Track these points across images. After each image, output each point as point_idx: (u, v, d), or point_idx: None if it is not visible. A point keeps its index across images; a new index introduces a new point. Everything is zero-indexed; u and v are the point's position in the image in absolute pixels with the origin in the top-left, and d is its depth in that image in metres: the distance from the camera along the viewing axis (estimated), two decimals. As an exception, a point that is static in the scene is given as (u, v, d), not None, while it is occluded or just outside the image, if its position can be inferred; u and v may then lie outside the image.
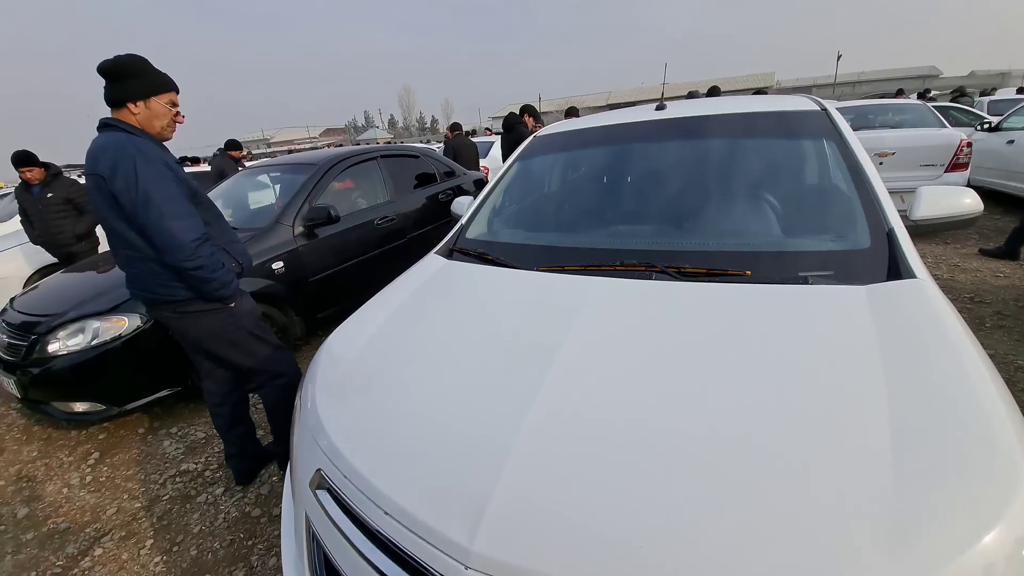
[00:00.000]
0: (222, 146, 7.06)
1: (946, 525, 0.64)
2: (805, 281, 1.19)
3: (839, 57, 41.22)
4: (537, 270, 1.52)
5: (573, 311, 1.22)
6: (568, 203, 2.07)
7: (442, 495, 0.83)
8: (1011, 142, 5.63)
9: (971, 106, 8.96)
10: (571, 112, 6.75)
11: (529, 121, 5.47)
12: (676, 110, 2.01)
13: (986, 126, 6.32)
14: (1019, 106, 6.17)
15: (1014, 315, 3.06)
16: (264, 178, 3.98)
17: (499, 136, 6.35)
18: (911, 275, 1.15)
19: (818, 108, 1.80)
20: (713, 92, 6.79)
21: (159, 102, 1.65)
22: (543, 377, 1.00)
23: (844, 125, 1.65)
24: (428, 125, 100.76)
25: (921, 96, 10.49)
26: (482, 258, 1.69)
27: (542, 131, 2.38)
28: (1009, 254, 4.21)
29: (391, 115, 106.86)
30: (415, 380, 1.13)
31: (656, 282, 1.31)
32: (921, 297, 1.07)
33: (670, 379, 0.95)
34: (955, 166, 5.21)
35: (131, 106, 1.61)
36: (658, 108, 2.07)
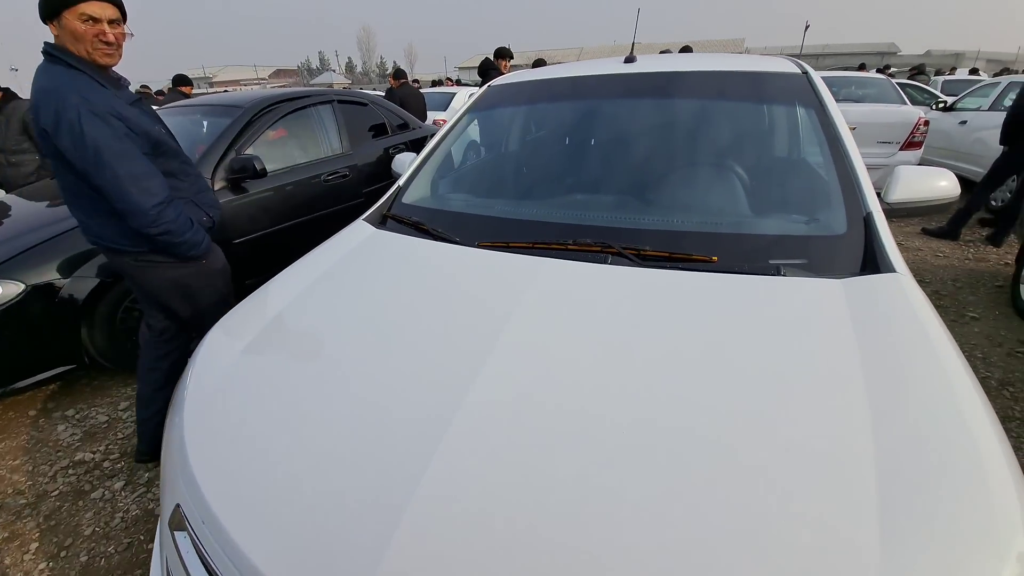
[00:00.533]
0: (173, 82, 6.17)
1: (940, 555, 0.57)
2: (777, 271, 1.07)
3: (807, 27, 41.29)
4: (477, 246, 1.31)
5: (511, 304, 1.05)
6: (519, 167, 1.86)
7: (312, 562, 0.64)
8: (964, 123, 5.73)
9: (927, 84, 9.14)
10: (539, 63, 6.35)
11: (504, 65, 4.98)
12: (647, 64, 1.79)
13: (940, 105, 6.42)
14: (974, 87, 6.29)
15: (951, 295, 3.14)
16: (183, 121, 3.48)
17: (462, 87, 5.93)
18: (890, 268, 1.06)
19: (799, 71, 1.63)
20: (685, 51, 6.56)
21: (70, 18, 1.36)
22: (458, 402, 0.82)
23: (826, 92, 1.50)
24: (390, 72, 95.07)
25: (882, 71, 10.59)
26: (418, 228, 1.47)
27: (497, 80, 2.08)
28: (950, 234, 4.32)
29: (349, 58, 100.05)
30: (308, 393, 0.92)
31: (612, 267, 1.15)
32: (901, 296, 0.98)
33: (623, 410, 0.78)
34: (910, 144, 5.26)
35: (52, 29, 1.36)
36: (627, 61, 1.83)
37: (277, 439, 0.84)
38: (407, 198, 1.70)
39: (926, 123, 5.27)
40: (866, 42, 53.14)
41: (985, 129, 5.26)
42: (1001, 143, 4.10)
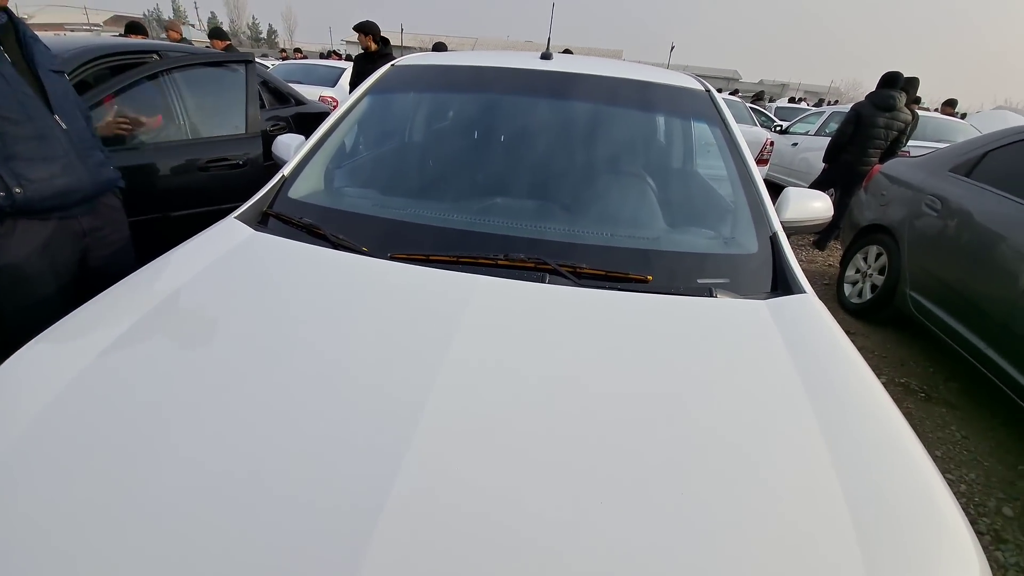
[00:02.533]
0: None
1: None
2: (708, 292, 1.10)
3: (672, 48, 46.03)
4: (390, 259, 1.11)
5: (445, 337, 0.86)
6: (436, 163, 1.68)
7: None
8: (795, 144, 6.82)
9: (764, 109, 10.76)
10: (440, 47, 6.11)
11: (366, 41, 4.11)
12: (564, 63, 1.76)
13: (778, 128, 7.58)
14: (804, 115, 7.54)
15: (821, 296, 3.70)
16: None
17: (351, 62, 5.32)
18: (800, 289, 1.14)
19: (703, 89, 1.72)
20: (566, 54, 6.80)
21: None
22: (386, 489, 0.62)
23: (727, 110, 1.61)
24: (263, 35, 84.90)
25: (733, 95, 12.20)
26: (311, 232, 1.20)
27: (403, 60, 1.86)
28: (818, 244, 5.09)
29: (212, 13, 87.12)
30: (143, 482, 0.64)
31: (551, 287, 1.05)
32: (817, 315, 1.07)
33: (579, 456, 0.71)
34: (760, 161, 6.14)
35: None
36: (543, 57, 1.77)
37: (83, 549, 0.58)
38: (295, 192, 1.39)
39: (771, 143, 6.18)
40: (716, 67, 60.94)
41: (811, 151, 6.30)
42: (824, 161, 4.94)
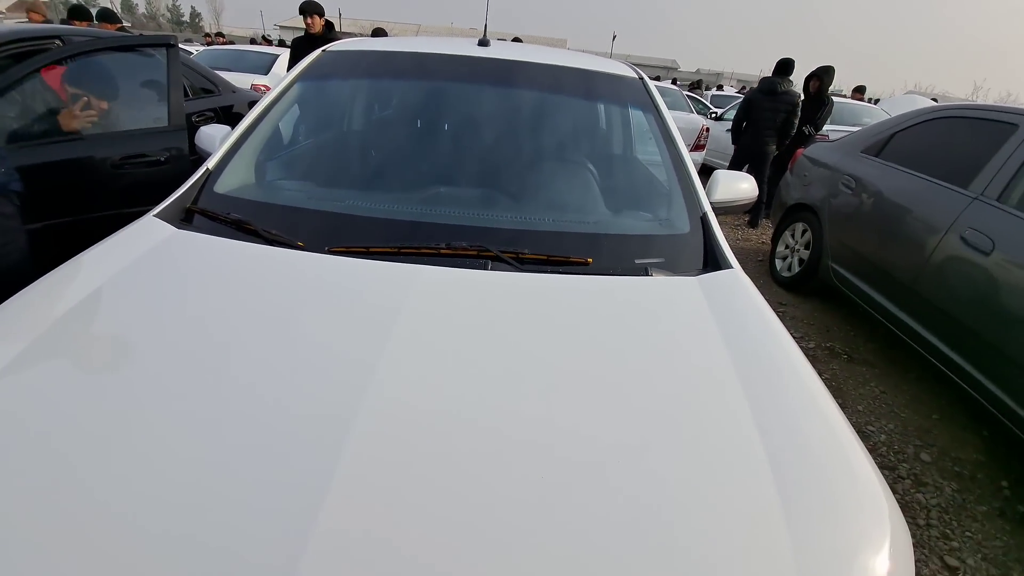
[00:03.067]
0: None
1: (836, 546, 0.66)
2: (645, 272, 1.15)
3: (614, 37, 46.97)
4: (327, 252, 1.07)
5: (386, 328, 0.85)
6: (369, 152, 1.65)
7: None
8: (728, 131, 7.16)
9: (701, 97, 11.22)
10: (379, 33, 5.90)
11: (314, 23, 3.93)
12: (501, 50, 1.76)
13: (713, 115, 7.93)
14: (735, 102, 7.92)
15: (755, 271, 3.92)
16: None
17: (286, 48, 5.00)
18: (728, 264, 1.21)
19: (636, 76, 1.78)
20: (516, 42, 6.83)
21: None
22: (327, 480, 0.61)
23: (659, 97, 1.67)
24: (186, 19, 78.73)
25: (672, 83, 12.63)
26: (241, 228, 1.13)
27: (335, 45, 1.81)
28: (751, 223, 5.38)
29: (126, -7, 79.53)
30: (75, 475, 0.62)
31: (494, 273, 1.05)
32: (743, 289, 1.14)
33: (521, 432, 0.73)
34: (697, 147, 6.41)
35: None
36: (481, 44, 1.77)
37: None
38: (222, 186, 1.31)
39: (707, 129, 6.46)
40: (656, 56, 62.85)
41: (743, 137, 6.64)
42: (732, 143, 5.37)
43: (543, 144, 1.55)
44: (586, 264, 1.12)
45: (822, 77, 5.00)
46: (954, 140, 2.70)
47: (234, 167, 1.37)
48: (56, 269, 1.03)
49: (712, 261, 1.22)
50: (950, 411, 2.40)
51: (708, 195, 1.43)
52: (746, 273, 1.20)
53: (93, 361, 0.83)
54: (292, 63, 3.34)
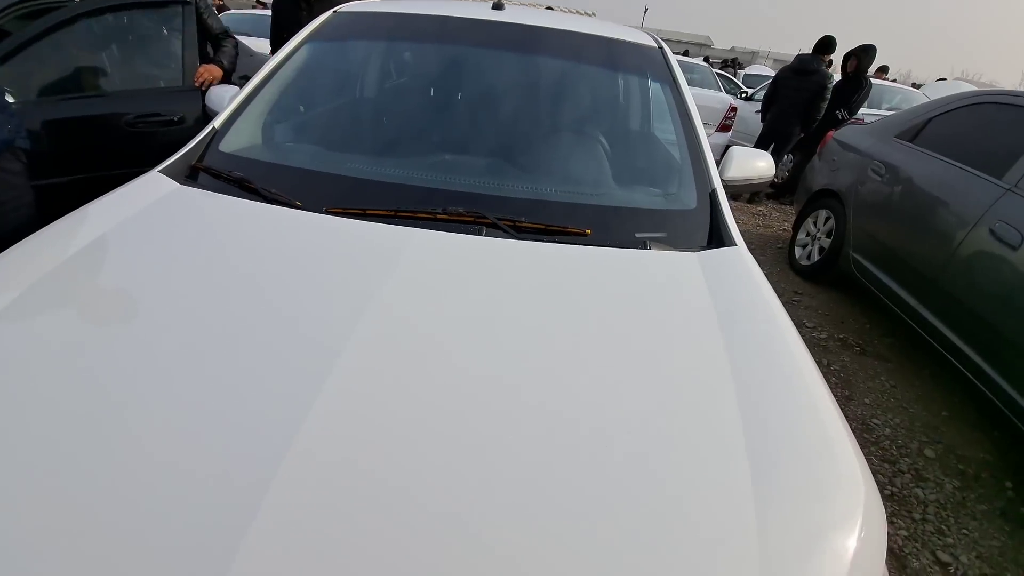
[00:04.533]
0: None
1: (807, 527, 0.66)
2: (644, 245, 1.14)
3: (646, 11, 45.22)
4: (325, 212, 1.09)
5: (374, 285, 0.88)
6: (372, 115, 1.65)
7: None
8: (757, 112, 6.91)
9: (734, 76, 10.80)
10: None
11: None
12: (516, 14, 1.71)
13: (744, 95, 7.64)
14: (765, 82, 7.60)
15: (773, 259, 3.81)
16: None
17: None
18: (732, 242, 1.19)
19: (656, 45, 1.72)
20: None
21: None
22: (303, 413, 0.65)
23: (678, 68, 1.61)
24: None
25: (705, 60, 12.16)
26: (242, 186, 1.16)
27: (346, 6, 1.80)
28: (749, 200, 5.25)
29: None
30: (78, 417, 0.65)
31: (487, 239, 1.06)
32: (744, 268, 1.12)
33: (501, 399, 0.74)
34: (723, 127, 6.18)
35: None
36: (495, 7, 1.73)
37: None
38: (227, 146, 1.34)
39: (734, 109, 6.22)
40: (689, 32, 60.47)
41: (773, 118, 6.40)
42: (762, 123, 5.22)
43: (551, 112, 1.52)
44: (584, 235, 1.11)
45: (860, 57, 4.75)
46: (993, 127, 2.55)
47: (239, 127, 1.39)
48: (60, 219, 1.07)
49: (716, 239, 1.20)
50: (961, 410, 2.33)
51: (721, 172, 1.41)
52: (764, 261, 1.17)
53: (88, 303, 0.87)
54: (274, 25, 2.92)
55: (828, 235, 3.38)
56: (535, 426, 0.70)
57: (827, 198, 3.45)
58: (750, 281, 1.08)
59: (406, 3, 1.86)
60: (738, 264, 1.12)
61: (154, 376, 0.71)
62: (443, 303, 0.89)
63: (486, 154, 1.39)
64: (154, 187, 1.16)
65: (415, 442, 0.66)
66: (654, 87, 1.65)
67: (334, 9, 1.75)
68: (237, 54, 2.42)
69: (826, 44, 4.76)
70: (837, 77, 4.93)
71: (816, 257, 3.47)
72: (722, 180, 1.38)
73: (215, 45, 2.45)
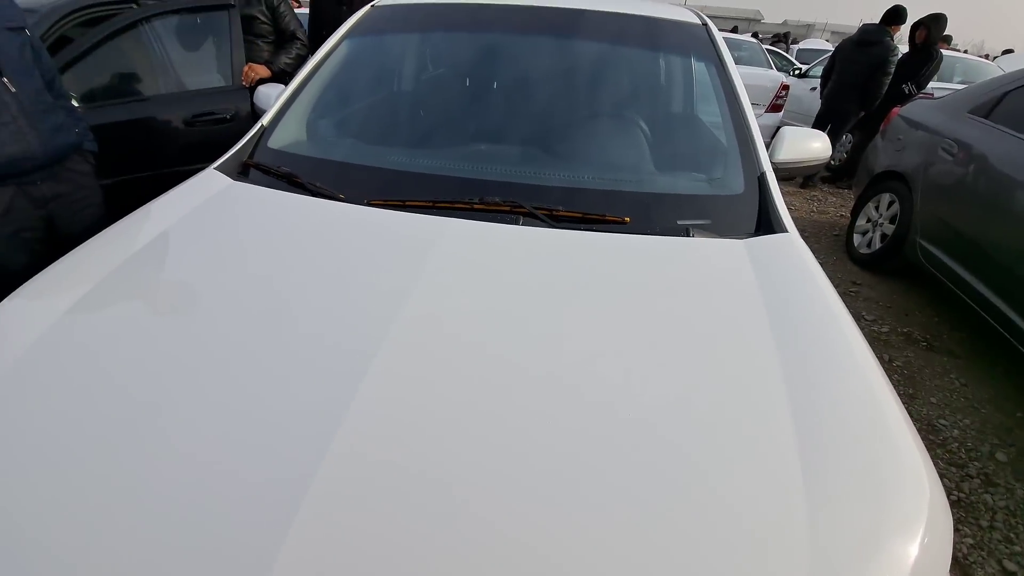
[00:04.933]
0: None
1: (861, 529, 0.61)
2: (686, 232, 1.09)
3: (689, -14, 43.32)
4: (367, 204, 1.13)
5: (412, 274, 0.90)
6: (413, 109, 1.68)
7: None
8: (814, 89, 6.48)
9: (786, 51, 10.17)
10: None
11: None
12: None
13: (797, 72, 7.18)
14: (821, 57, 7.12)
15: (830, 247, 3.60)
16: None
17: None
18: (783, 228, 1.13)
19: (700, 22, 1.64)
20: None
21: None
22: (347, 398, 0.67)
23: (724, 46, 1.53)
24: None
25: (754, 36, 11.52)
26: (290, 181, 1.22)
27: (383, 0, 1.82)
28: (803, 184, 4.94)
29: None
30: (132, 398, 0.71)
31: (524, 228, 1.06)
32: (796, 255, 1.06)
33: (545, 391, 0.73)
34: (774, 106, 5.87)
35: None
36: None
37: (76, 450, 0.64)
38: (274, 142, 1.41)
39: (786, 88, 5.88)
40: (736, 7, 57.46)
41: (829, 95, 6.00)
42: (820, 99, 4.88)
43: (589, 98, 1.49)
44: (623, 223, 1.09)
45: (930, 26, 4.36)
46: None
47: (286, 123, 1.46)
48: (125, 218, 1.15)
49: (765, 225, 1.14)
50: (1040, 410, 2.14)
51: (772, 154, 1.34)
52: (819, 249, 1.11)
53: (151, 297, 0.94)
54: (313, 22, 2.93)
55: (891, 221, 3.15)
56: (580, 422, 0.69)
57: (891, 180, 3.21)
58: (802, 268, 1.02)
59: None
60: (789, 251, 1.07)
61: (208, 367, 0.75)
62: (480, 293, 0.89)
63: (523, 143, 1.38)
64: (210, 184, 1.24)
65: (456, 437, 0.66)
66: (699, 67, 1.59)
67: (372, 4, 1.77)
68: (299, 56, 2.49)
69: (895, 14, 4.39)
70: (903, 49, 4.55)
71: (878, 245, 3.25)
72: (772, 163, 1.31)
73: (279, 45, 2.55)
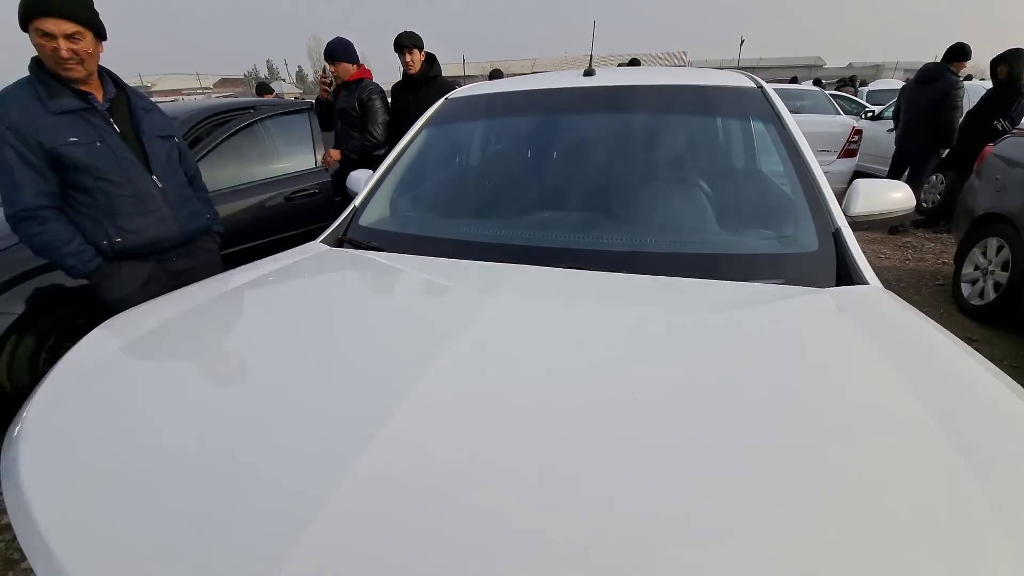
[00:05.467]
0: None
1: None
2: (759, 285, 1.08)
3: (742, 42, 43.83)
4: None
5: (469, 315, 0.99)
6: (482, 186, 1.81)
7: None
8: (890, 130, 6.18)
9: (854, 95, 9.84)
10: (495, 75, 6.35)
11: (415, 59, 3.03)
12: (607, 77, 1.79)
13: (869, 115, 6.91)
14: (895, 99, 6.81)
15: (934, 298, 3.31)
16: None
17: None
18: (863, 281, 1.07)
19: (755, 85, 1.66)
20: (633, 64, 6.79)
21: (32, 33, 1.45)
22: (393, 406, 0.73)
23: (781, 105, 1.53)
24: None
25: (816, 83, 11.33)
26: (376, 252, 1.43)
27: (455, 93, 2.03)
28: (892, 230, 4.64)
29: (299, 67, 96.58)
30: (197, 398, 0.85)
31: (592, 273, 1.16)
32: (887, 302, 0.99)
33: (620, 459, 0.64)
34: (847, 152, 5.63)
35: None
36: (586, 74, 1.82)
37: (140, 448, 0.73)
38: (364, 220, 1.61)
39: (858, 132, 5.65)
40: (795, 55, 57.03)
41: (907, 136, 5.68)
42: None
43: (648, 166, 1.52)
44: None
45: (1011, 61, 4.11)
46: None
47: (374, 204, 1.68)
48: (239, 268, 1.42)
49: (846, 280, 1.09)
50: None
51: (846, 208, 1.29)
52: (921, 301, 1.02)
53: (235, 320, 1.14)
54: (394, 107, 3.20)
55: (1003, 268, 2.83)
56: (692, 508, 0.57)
57: (995, 223, 2.92)
58: (904, 317, 0.95)
59: (507, 82, 2.05)
60: (882, 301, 1.00)
61: (294, 358, 0.91)
62: (543, 353, 0.88)
63: (590, 211, 1.44)
64: (310, 249, 1.50)
65: (467, 449, 0.67)
66: (757, 128, 1.59)
67: (445, 97, 2.00)
68: (362, 146, 3.00)
69: (959, 51, 4.22)
70: (979, 84, 4.35)
71: (992, 294, 2.91)
72: (848, 217, 1.26)
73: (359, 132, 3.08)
